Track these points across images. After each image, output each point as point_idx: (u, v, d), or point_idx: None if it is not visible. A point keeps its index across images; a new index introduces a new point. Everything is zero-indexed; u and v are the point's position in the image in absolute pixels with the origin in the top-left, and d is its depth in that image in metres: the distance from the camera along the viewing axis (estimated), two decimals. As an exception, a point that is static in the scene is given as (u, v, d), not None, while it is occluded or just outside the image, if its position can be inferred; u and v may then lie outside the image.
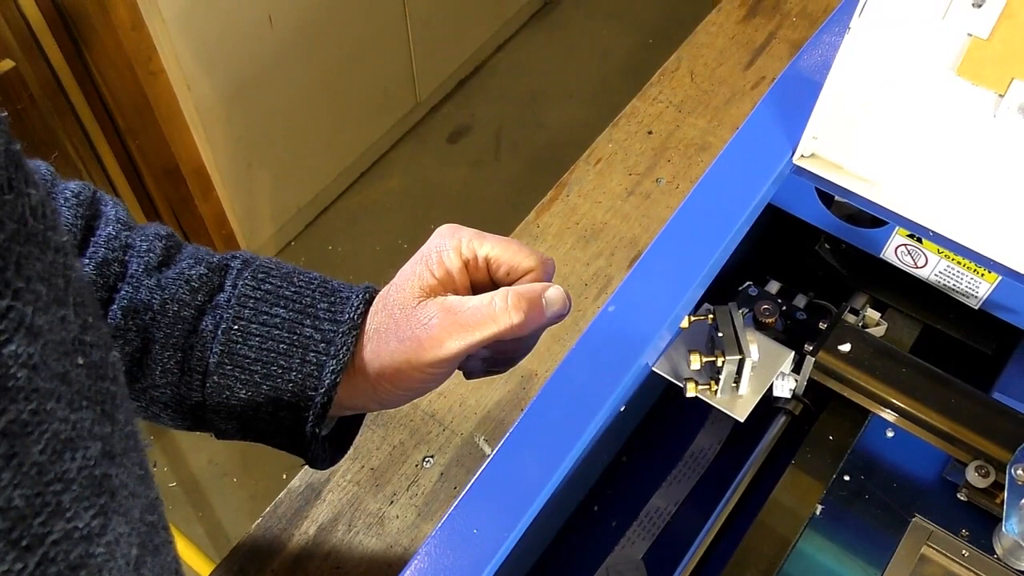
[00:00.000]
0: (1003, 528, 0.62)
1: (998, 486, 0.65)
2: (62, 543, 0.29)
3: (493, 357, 0.63)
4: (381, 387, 0.58)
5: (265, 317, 0.57)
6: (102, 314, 0.56)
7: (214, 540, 1.87)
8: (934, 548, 0.71)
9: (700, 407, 0.85)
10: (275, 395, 0.57)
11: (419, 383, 0.58)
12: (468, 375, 0.64)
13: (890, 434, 0.76)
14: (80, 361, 0.30)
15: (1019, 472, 0.62)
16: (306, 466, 0.87)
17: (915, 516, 0.72)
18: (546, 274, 0.59)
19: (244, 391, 0.57)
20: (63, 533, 0.29)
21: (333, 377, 0.56)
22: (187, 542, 1.45)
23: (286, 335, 0.57)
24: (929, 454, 0.74)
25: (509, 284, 0.58)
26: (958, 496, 0.68)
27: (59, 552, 0.28)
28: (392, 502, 0.85)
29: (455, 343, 0.56)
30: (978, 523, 0.70)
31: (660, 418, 0.86)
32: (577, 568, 0.79)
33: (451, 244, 0.58)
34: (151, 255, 0.60)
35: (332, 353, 0.56)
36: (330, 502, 0.85)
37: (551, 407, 0.62)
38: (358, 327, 0.57)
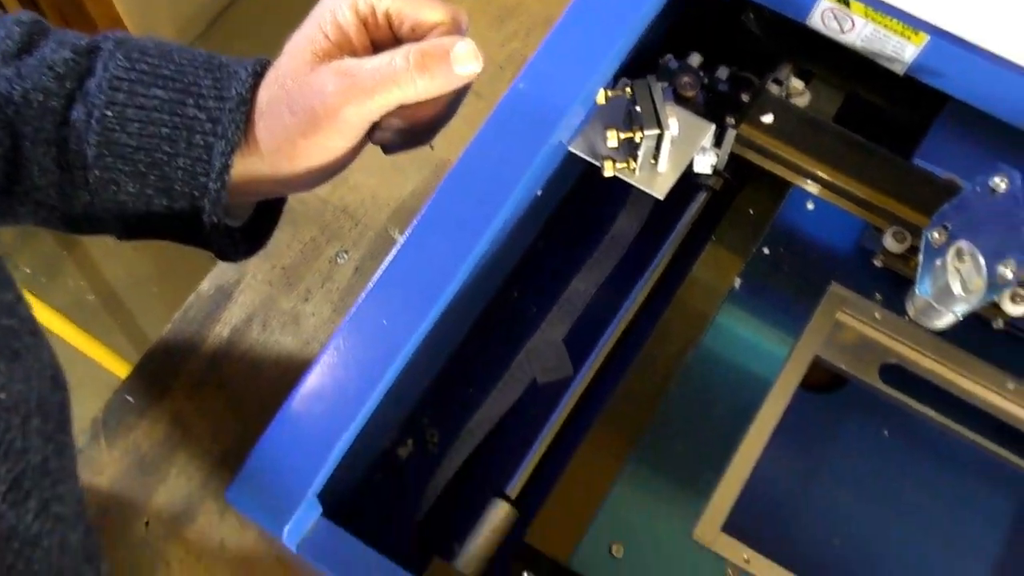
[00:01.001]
0: (916, 290, 0.62)
1: (913, 250, 0.64)
2: None
3: (408, 127, 0.57)
4: (280, 167, 0.54)
5: (142, 100, 0.52)
6: None
7: (140, 349, 1.85)
8: (848, 314, 0.71)
9: (621, 189, 0.83)
10: (166, 185, 0.53)
11: (321, 160, 0.53)
12: (385, 150, 0.59)
13: (810, 206, 0.75)
14: None
15: (935, 235, 0.62)
16: (216, 268, 0.84)
17: (831, 284, 0.72)
18: (457, 28, 0.54)
19: (131, 184, 0.53)
20: None
21: (224, 160, 0.52)
22: (104, 348, 1.43)
23: (167, 117, 0.52)
24: (846, 224, 0.73)
25: (415, 41, 0.53)
26: (874, 262, 0.68)
27: None
28: (307, 300, 0.83)
29: (354, 111, 0.51)
30: (890, 288, 0.70)
31: (580, 201, 0.84)
32: (498, 354, 0.79)
33: (346, 1, 0.52)
34: (8, 42, 0.53)
35: (220, 133, 0.52)
36: (242, 303, 0.82)
37: (461, 190, 0.58)
38: (247, 103, 0.52)
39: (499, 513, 0.64)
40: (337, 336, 0.54)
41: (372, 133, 0.55)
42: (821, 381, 0.77)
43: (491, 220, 0.57)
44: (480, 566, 0.62)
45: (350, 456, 0.65)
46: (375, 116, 0.52)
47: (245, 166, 0.53)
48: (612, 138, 0.63)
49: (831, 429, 0.76)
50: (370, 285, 0.55)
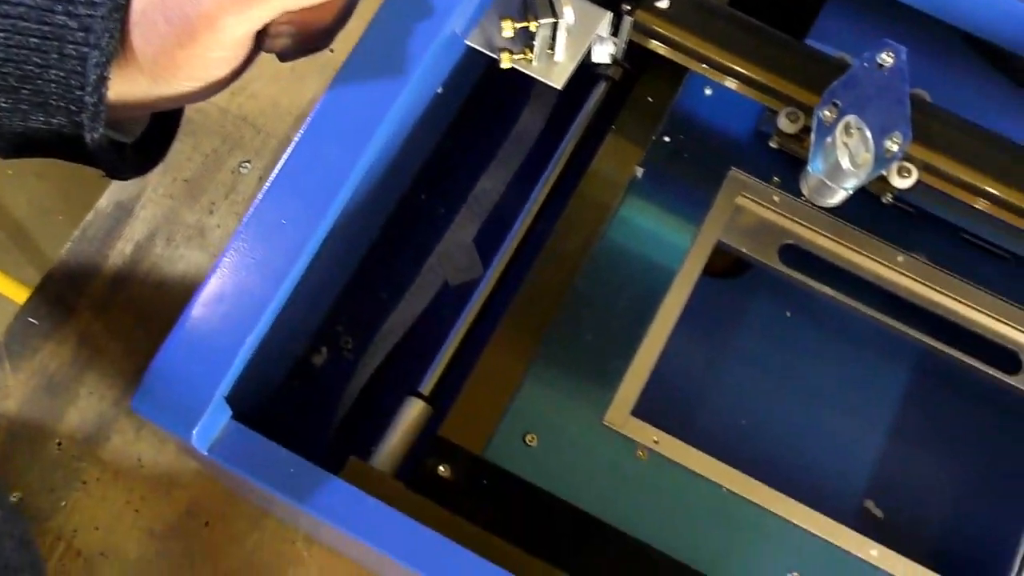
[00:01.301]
0: (809, 168, 0.63)
1: (806, 131, 0.66)
2: None
3: (301, 33, 0.54)
4: (162, 80, 0.52)
5: (6, 8, 0.49)
6: None
7: (50, 281, 1.80)
8: (748, 198, 0.73)
9: (525, 85, 0.83)
10: (40, 100, 0.51)
11: (206, 72, 0.52)
12: (280, 58, 0.56)
13: (708, 92, 0.75)
14: None
15: (825, 113, 0.63)
16: (113, 184, 0.82)
17: (731, 169, 0.73)
18: None
19: (3, 99, 0.51)
20: None
21: (99, 71, 0.50)
22: (8, 279, 1.38)
23: (35, 27, 0.49)
24: (744, 109, 0.74)
25: None
26: (770, 145, 0.70)
27: None
28: (211, 212, 0.81)
29: (232, 21, 0.49)
30: (787, 171, 0.71)
31: (483, 99, 0.83)
32: (408, 257, 0.79)
33: None
34: None
35: (92, 43, 0.49)
36: (144, 219, 0.81)
37: (353, 85, 0.57)
38: (121, 8, 0.50)
39: (413, 410, 0.65)
40: (236, 238, 0.53)
41: (262, 41, 0.53)
42: (725, 268, 0.79)
43: (384, 115, 0.56)
44: (396, 462, 0.63)
45: (262, 363, 0.65)
46: (258, 24, 0.50)
47: (125, 79, 0.51)
48: (507, 28, 0.62)
49: (736, 314, 0.78)
50: (266, 186, 0.54)
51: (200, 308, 0.52)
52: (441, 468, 0.61)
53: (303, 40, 0.54)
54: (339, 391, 0.75)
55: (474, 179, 0.82)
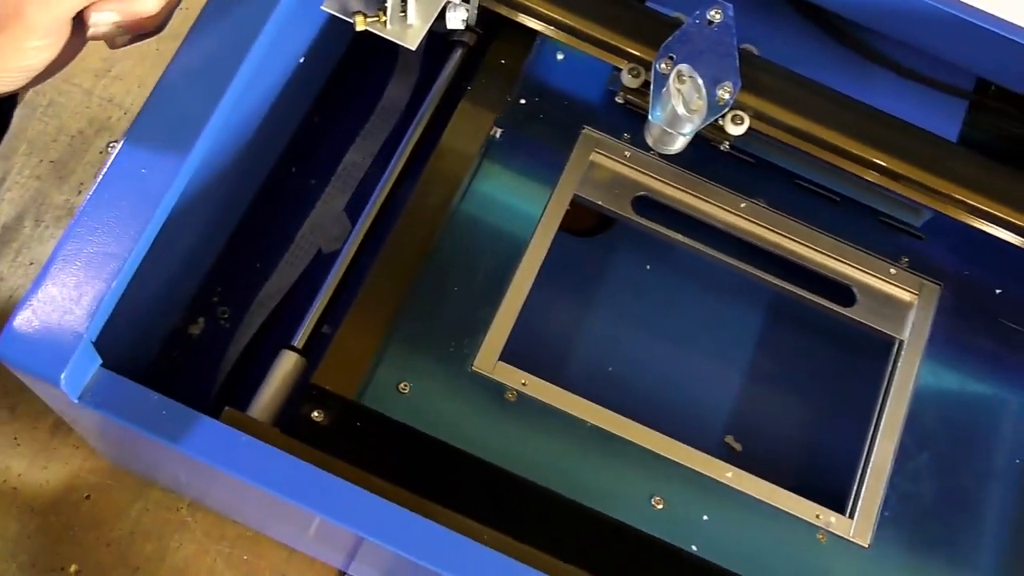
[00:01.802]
0: (650, 118, 0.68)
1: (648, 85, 0.70)
2: None
3: (126, 19, 0.54)
4: None
5: None
6: None
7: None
8: (601, 153, 0.77)
9: (390, 56, 0.86)
10: None
11: (23, 62, 0.51)
12: (111, 45, 0.55)
13: (560, 56, 0.80)
14: None
15: (662, 66, 0.68)
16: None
17: (584, 128, 0.77)
18: None
19: None
20: None
21: None
22: None
23: None
24: (595, 72, 0.79)
25: None
26: (616, 100, 0.74)
27: None
28: (80, 192, 0.82)
29: (37, 11, 0.49)
30: (637, 127, 0.76)
31: (350, 73, 0.86)
32: (281, 228, 0.81)
33: None
34: None
35: None
36: (11, 200, 0.81)
37: (197, 52, 0.59)
38: None
39: (287, 363, 0.67)
40: (90, 199, 0.55)
41: (83, 29, 0.52)
42: (588, 227, 0.84)
43: (230, 80, 0.58)
44: (273, 413, 0.65)
45: (135, 327, 0.66)
46: (68, 12, 0.50)
47: None
48: (358, -10, 0.65)
49: (599, 269, 0.82)
50: (119, 144, 0.55)
51: (63, 258, 0.53)
52: (315, 414, 0.64)
53: (129, 26, 0.54)
54: (217, 359, 0.76)
55: (343, 152, 0.84)
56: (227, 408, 0.62)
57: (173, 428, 0.54)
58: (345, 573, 0.76)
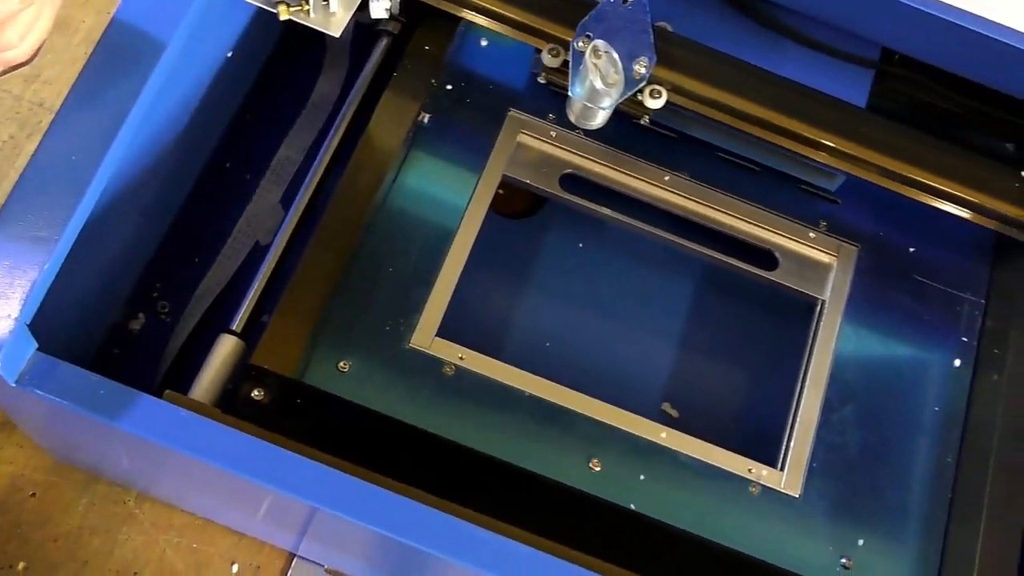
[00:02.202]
0: (571, 94, 0.70)
1: (568, 64, 0.73)
2: None
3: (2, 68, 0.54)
4: None
5: None
6: None
7: None
8: (528, 134, 0.80)
9: (320, 53, 0.88)
10: None
11: None
12: None
13: (484, 43, 0.82)
14: None
15: (579, 44, 0.70)
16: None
17: (510, 110, 0.80)
18: None
19: None
20: None
21: None
22: None
23: None
24: (519, 56, 0.81)
25: None
26: (539, 81, 0.77)
27: None
28: (14, 195, 0.82)
29: None
30: (561, 108, 0.78)
31: (281, 68, 0.87)
32: (218, 223, 0.82)
33: None
34: None
35: None
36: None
37: (117, 44, 0.60)
38: None
39: (226, 346, 0.68)
40: (25, 172, 0.56)
41: None
42: (520, 209, 0.86)
43: (149, 73, 0.59)
44: (214, 395, 0.66)
45: (78, 325, 0.67)
46: None
47: None
48: (278, -21, 0.67)
49: (534, 249, 0.85)
50: (48, 125, 0.57)
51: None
52: (255, 392, 0.65)
53: (3, 71, 0.54)
54: (158, 353, 0.77)
55: (276, 146, 0.86)
56: (167, 391, 0.63)
57: (112, 407, 0.55)
58: (295, 554, 0.77)
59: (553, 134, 0.80)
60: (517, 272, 0.84)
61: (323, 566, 0.77)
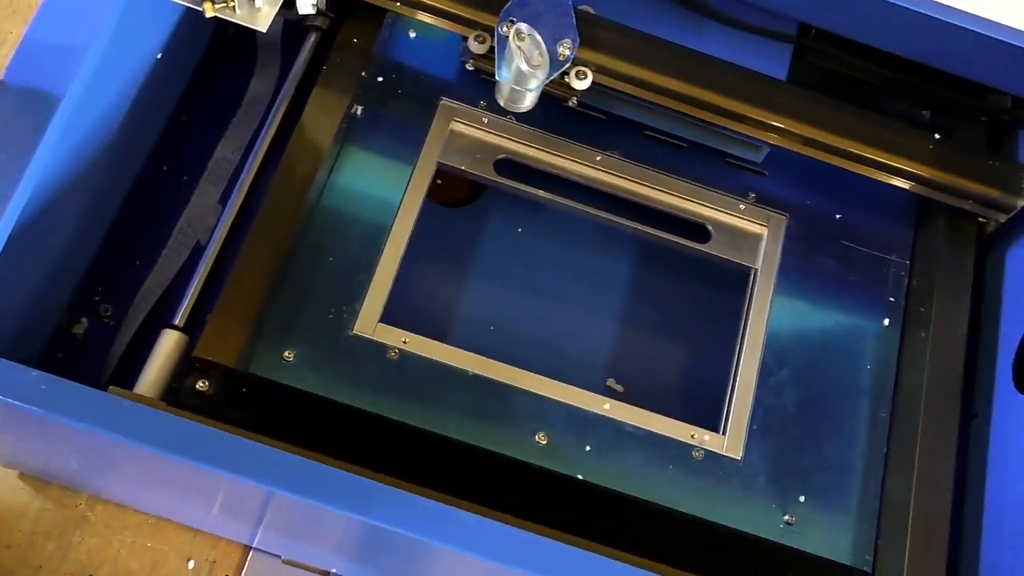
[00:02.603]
0: (498, 78, 0.72)
1: (493, 50, 0.74)
2: None
3: None
4: None
5: None
6: None
7: None
8: (460, 122, 0.81)
9: (253, 52, 0.89)
10: None
11: None
12: None
13: (412, 34, 0.84)
14: None
15: (503, 29, 0.72)
16: None
17: (441, 99, 0.81)
18: None
19: None
20: None
21: None
22: None
23: None
24: (447, 45, 0.83)
25: None
26: (467, 68, 0.78)
27: None
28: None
29: None
30: (491, 94, 0.80)
31: (214, 69, 0.88)
32: (158, 224, 0.82)
33: None
34: None
35: None
36: None
37: (40, 51, 0.61)
38: None
39: (169, 341, 0.68)
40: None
41: None
42: (458, 198, 0.87)
43: (70, 79, 0.60)
44: (159, 390, 0.67)
45: (19, 330, 0.68)
46: None
47: None
48: (202, -25, 0.68)
49: (474, 236, 0.86)
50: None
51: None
52: (200, 384, 0.65)
53: None
54: (103, 356, 0.77)
55: (213, 147, 0.86)
56: (112, 386, 0.63)
57: (55, 402, 0.55)
58: (251, 547, 0.77)
59: (485, 120, 0.81)
60: (459, 258, 0.85)
61: (280, 557, 0.77)
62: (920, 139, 0.81)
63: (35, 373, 0.56)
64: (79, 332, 0.78)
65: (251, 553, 0.77)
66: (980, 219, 0.82)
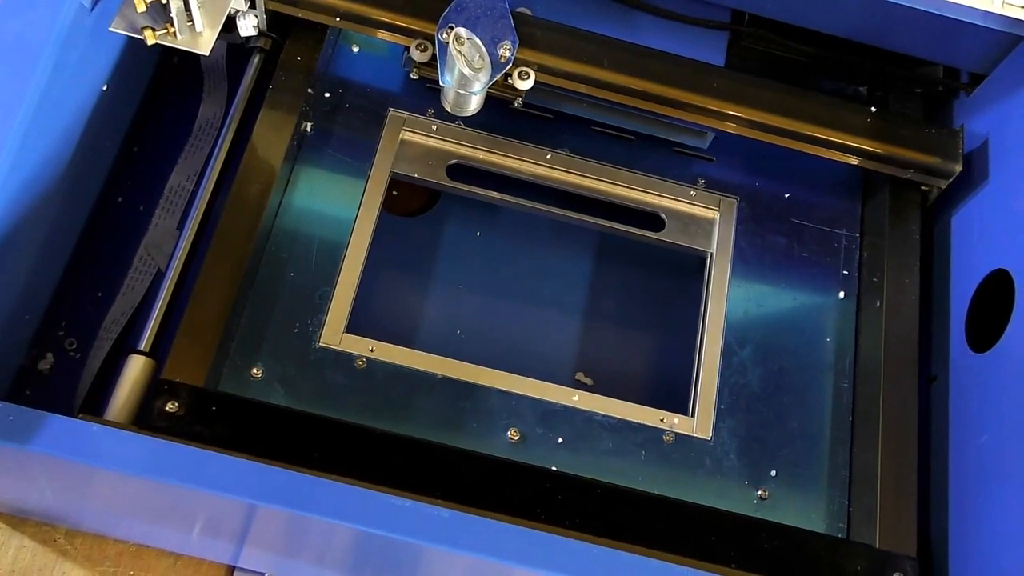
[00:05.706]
0: (442, 83, 0.73)
1: (436, 57, 0.76)
2: None
3: None
4: None
5: None
6: None
7: None
8: (410, 131, 0.82)
9: (200, 78, 0.89)
10: None
11: None
12: None
13: (356, 49, 0.85)
14: None
15: (443, 36, 0.73)
16: None
17: (389, 110, 0.82)
18: None
19: None
20: None
21: None
22: None
23: None
24: (391, 57, 0.84)
25: None
26: (412, 77, 0.79)
27: None
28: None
29: None
30: (438, 102, 0.81)
31: (162, 97, 0.88)
32: (117, 255, 0.82)
33: None
34: None
35: None
36: None
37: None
38: None
39: (135, 366, 0.69)
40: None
41: None
42: (414, 207, 0.88)
43: (15, 113, 0.60)
44: (129, 414, 0.67)
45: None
46: None
47: None
48: (139, 3, 0.68)
49: (433, 243, 0.87)
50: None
51: None
52: (169, 405, 0.66)
53: None
54: (71, 390, 0.77)
55: (167, 175, 0.87)
56: (82, 413, 0.64)
57: (25, 432, 0.55)
58: (235, 567, 0.77)
59: (434, 127, 0.83)
60: (421, 266, 0.86)
61: (264, 574, 0.78)
62: (859, 114, 0.83)
63: (2, 405, 0.56)
64: (45, 368, 0.78)
65: (235, 573, 0.77)
66: (923, 187, 0.84)
